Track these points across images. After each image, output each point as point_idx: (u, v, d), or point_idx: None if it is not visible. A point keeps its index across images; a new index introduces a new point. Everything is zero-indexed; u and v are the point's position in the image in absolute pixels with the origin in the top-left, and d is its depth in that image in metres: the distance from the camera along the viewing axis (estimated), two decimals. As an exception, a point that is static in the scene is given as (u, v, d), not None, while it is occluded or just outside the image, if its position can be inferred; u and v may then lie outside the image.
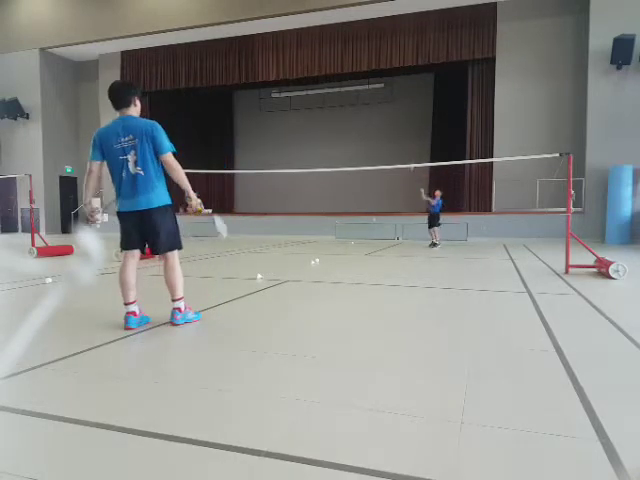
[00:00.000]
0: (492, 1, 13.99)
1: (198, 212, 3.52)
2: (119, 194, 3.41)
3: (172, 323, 3.51)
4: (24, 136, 18.33)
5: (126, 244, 3.48)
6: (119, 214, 3.46)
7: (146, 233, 3.42)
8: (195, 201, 3.45)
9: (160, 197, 3.39)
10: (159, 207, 3.38)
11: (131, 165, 3.32)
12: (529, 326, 3.52)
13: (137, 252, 3.50)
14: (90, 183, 3.44)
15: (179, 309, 3.52)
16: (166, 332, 3.39)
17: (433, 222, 11.30)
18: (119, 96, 3.41)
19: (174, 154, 3.42)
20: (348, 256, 9.30)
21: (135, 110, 3.46)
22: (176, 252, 3.54)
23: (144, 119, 3.41)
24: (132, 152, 3.31)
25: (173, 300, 3.53)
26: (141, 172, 3.32)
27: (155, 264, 6.77)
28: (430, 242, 11.51)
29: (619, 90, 12.49)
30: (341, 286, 5.53)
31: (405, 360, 2.73)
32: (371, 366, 2.62)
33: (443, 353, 2.87)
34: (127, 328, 3.40)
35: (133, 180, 3.33)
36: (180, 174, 3.37)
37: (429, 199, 11.32)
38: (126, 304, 3.45)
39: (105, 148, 3.38)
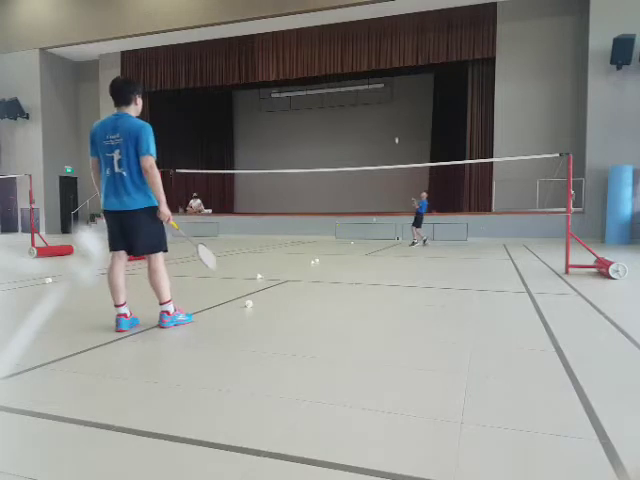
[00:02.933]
0: (492, 1, 13.99)
1: (174, 224, 3.49)
2: (104, 191, 3.37)
3: (160, 326, 3.45)
4: (24, 136, 18.33)
5: (111, 244, 3.45)
6: (104, 212, 3.44)
7: (127, 234, 3.37)
8: (164, 215, 3.33)
9: (143, 199, 3.31)
10: (141, 209, 3.31)
11: (115, 164, 3.29)
12: (529, 326, 3.52)
13: (123, 253, 3.45)
14: (96, 178, 3.47)
15: (167, 312, 3.45)
16: (166, 332, 3.39)
17: (419, 222, 11.69)
18: (120, 93, 3.37)
19: (159, 164, 3.36)
20: (348, 256, 9.30)
21: (134, 109, 3.42)
22: (160, 255, 3.45)
23: (136, 119, 3.36)
24: (117, 151, 3.26)
25: (160, 304, 3.46)
26: (124, 172, 3.26)
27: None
28: (414, 241, 11.89)
29: (619, 90, 12.49)
30: (341, 286, 5.53)
31: (405, 360, 2.73)
32: (371, 366, 2.62)
33: (443, 353, 2.87)
34: (119, 330, 3.36)
35: (117, 179, 3.29)
36: (154, 180, 3.26)
37: (416, 204, 11.72)
38: (117, 306, 3.41)
39: (97, 143, 3.35)
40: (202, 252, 3.77)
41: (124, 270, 3.49)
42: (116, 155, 3.27)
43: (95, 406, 2.11)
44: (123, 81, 3.45)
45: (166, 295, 3.46)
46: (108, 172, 3.32)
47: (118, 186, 3.29)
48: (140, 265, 7.17)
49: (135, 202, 3.29)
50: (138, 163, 3.27)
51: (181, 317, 3.57)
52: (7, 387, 2.36)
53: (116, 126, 3.29)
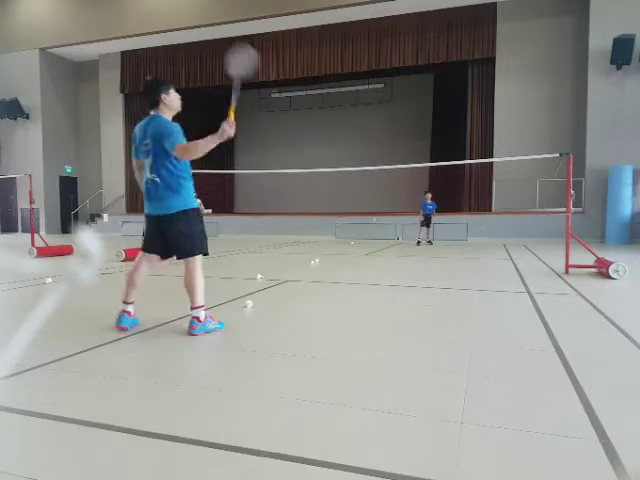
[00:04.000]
0: (492, 1, 13.99)
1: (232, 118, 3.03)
2: (144, 196, 3.36)
3: (189, 333, 3.26)
4: (24, 136, 18.33)
5: (145, 247, 3.42)
6: (144, 215, 3.43)
7: (165, 238, 3.32)
8: (230, 126, 3.01)
9: (179, 202, 3.24)
10: (177, 212, 3.24)
11: (147, 169, 3.26)
12: (529, 326, 3.52)
13: (154, 257, 3.42)
14: (139, 180, 3.45)
15: (197, 318, 3.27)
16: (166, 332, 3.39)
17: (428, 222, 12.16)
18: (146, 96, 3.35)
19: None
20: (348, 256, 9.30)
21: (166, 108, 3.31)
22: (198, 258, 3.33)
23: (162, 121, 3.23)
24: (150, 156, 3.24)
25: (191, 308, 3.30)
26: (156, 178, 3.23)
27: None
28: (421, 241, 12.29)
29: (619, 90, 12.49)
30: (341, 286, 5.53)
31: (405, 360, 2.73)
32: (370, 366, 2.62)
33: (443, 353, 2.87)
34: (119, 327, 3.35)
35: (151, 185, 3.27)
36: (195, 150, 3.06)
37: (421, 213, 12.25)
38: (125, 302, 3.41)
39: (137, 147, 3.35)
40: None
41: (148, 271, 3.46)
42: (148, 160, 3.25)
43: (95, 406, 2.11)
44: (147, 83, 3.40)
45: (199, 300, 3.30)
46: (144, 177, 3.33)
47: (152, 191, 3.27)
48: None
49: (171, 206, 3.23)
50: (169, 167, 3.20)
51: (212, 325, 3.37)
52: (7, 387, 2.36)
53: (146, 130, 3.26)
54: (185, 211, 3.27)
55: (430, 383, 2.37)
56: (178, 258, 3.38)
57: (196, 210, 3.37)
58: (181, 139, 3.15)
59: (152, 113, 3.32)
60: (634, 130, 12.33)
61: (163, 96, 3.29)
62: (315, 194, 20.17)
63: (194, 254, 3.32)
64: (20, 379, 2.45)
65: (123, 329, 3.36)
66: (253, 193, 21.34)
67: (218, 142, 3.05)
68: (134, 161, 3.45)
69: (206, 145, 3.06)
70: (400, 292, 5.08)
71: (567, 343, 3.01)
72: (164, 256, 3.46)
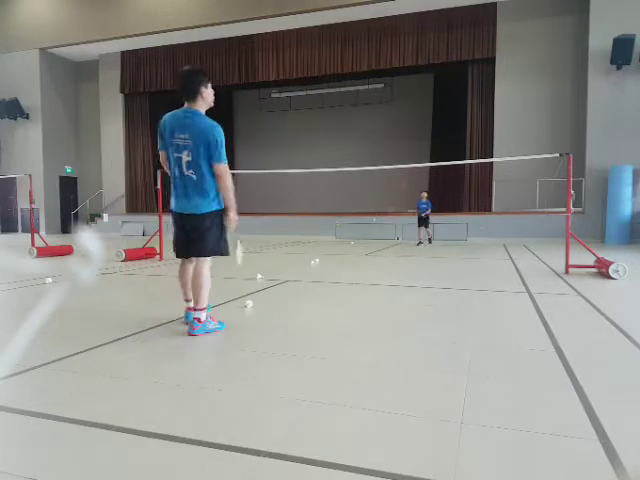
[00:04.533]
0: (492, 1, 13.99)
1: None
2: (173, 192, 3.28)
3: (189, 333, 3.26)
4: (24, 136, 18.33)
5: (176, 251, 3.41)
6: (171, 212, 3.36)
7: (189, 236, 3.27)
8: (233, 220, 3.26)
9: (210, 203, 3.20)
10: (208, 212, 3.20)
11: (184, 165, 3.15)
12: (529, 326, 3.52)
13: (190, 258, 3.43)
14: (168, 171, 3.38)
15: (198, 319, 3.27)
16: (165, 332, 3.39)
17: (424, 222, 12.10)
18: (184, 85, 3.17)
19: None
20: (348, 256, 9.30)
21: (203, 103, 3.22)
22: (208, 259, 3.31)
23: (207, 120, 3.17)
24: (186, 152, 3.12)
25: (195, 309, 3.31)
26: (193, 176, 3.15)
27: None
28: (420, 242, 12.25)
29: (619, 90, 12.49)
30: (341, 286, 5.53)
31: (405, 360, 2.73)
32: (370, 366, 2.62)
33: (442, 353, 2.87)
34: (187, 323, 3.44)
35: (185, 181, 3.19)
36: (227, 186, 3.17)
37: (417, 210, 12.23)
38: (186, 300, 3.55)
39: (166, 139, 3.22)
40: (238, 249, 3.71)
41: (191, 269, 3.43)
42: (185, 156, 3.13)
43: (95, 406, 2.11)
44: (187, 71, 3.22)
45: (203, 302, 3.29)
46: (177, 172, 3.21)
47: (187, 188, 3.19)
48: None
49: (203, 206, 3.19)
50: (207, 166, 3.14)
51: (212, 325, 3.37)
52: (7, 387, 2.36)
53: (185, 125, 3.13)
54: (216, 211, 3.25)
55: (430, 383, 2.37)
56: (198, 256, 3.31)
57: (223, 211, 3.31)
58: (226, 157, 3.18)
59: (187, 106, 3.20)
60: (634, 130, 12.33)
61: (203, 89, 3.18)
62: (315, 194, 20.16)
63: (215, 254, 3.31)
64: (20, 379, 2.45)
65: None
66: (253, 193, 21.32)
67: (230, 207, 3.25)
68: (161, 153, 3.33)
69: (230, 194, 3.23)
70: (400, 292, 5.08)
71: (567, 343, 3.01)
72: (195, 256, 3.38)
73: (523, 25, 13.91)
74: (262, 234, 15.30)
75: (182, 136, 3.13)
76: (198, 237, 3.24)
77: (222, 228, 3.32)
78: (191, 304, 3.48)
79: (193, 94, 3.16)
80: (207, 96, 3.23)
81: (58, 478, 1.56)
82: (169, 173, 3.37)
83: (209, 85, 3.25)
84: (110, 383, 2.39)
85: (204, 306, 3.31)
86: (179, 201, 3.26)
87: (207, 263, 3.33)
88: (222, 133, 3.16)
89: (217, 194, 3.25)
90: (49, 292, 5.07)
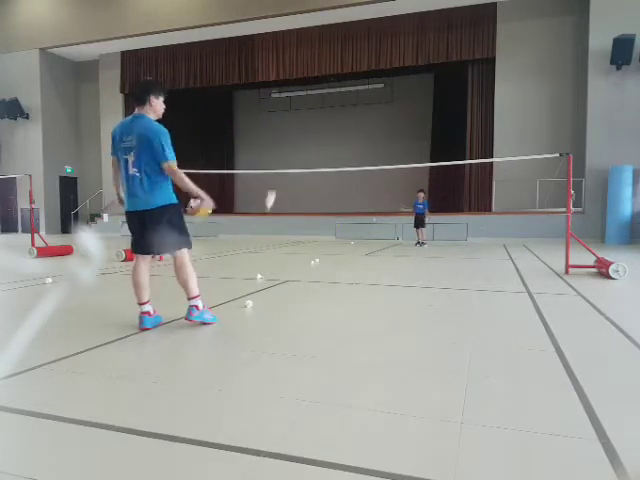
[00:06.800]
0: (492, 1, 13.99)
1: (203, 213, 3.39)
2: (125, 193, 3.42)
3: (186, 318, 3.46)
4: (24, 136, 18.32)
5: (133, 247, 3.47)
6: (125, 213, 3.47)
7: (146, 233, 3.36)
8: (206, 202, 3.35)
9: (160, 197, 3.31)
10: (158, 207, 3.31)
11: (130, 165, 3.31)
12: (529, 326, 3.52)
13: (147, 256, 3.47)
14: (115, 176, 3.54)
15: (196, 306, 3.45)
16: (165, 332, 3.39)
17: (420, 222, 11.76)
18: (135, 93, 3.46)
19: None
20: (348, 256, 9.30)
21: (151, 110, 3.39)
22: (185, 251, 3.44)
23: (151, 122, 3.34)
24: (131, 153, 3.29)
25: (189, 299, 3.46)
26: (137, 174, 3.28)
27: (158, 264, 6.77)
28: (418, 242, 11.98)
29: (619, 90, 12.49)
30: (341, 286, 5.53)
31: (404, 360, 2.73)
32: (370, 366, 2.62)
33: (442, 353, 2.87)
34: (143, 329, 3.39)
35: (131, 181, 3.33)
36: (182, 182, 3.28)
37: (408, 209, 12.04)
38: (140, 304, 3.44)
39: (116, 144, 3.41)
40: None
41: (148, 269, 3.49)
42: (130, 157, 3.30)
43: (95, 406, 2.11)
44: (141, 82, 3.55)
45: (194, 290, 3.44)
46: (125, 173, 3.36)
47: (133, 187, 3.32)
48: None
49: (151, 202, 3.30)
50: (152, 164, 3.27)
51: (208, 315, 3.54)
52: (7, 387, 2.36)
53: (131, 128, 3.32)
54: (167, 206, 3.35)
55: (430, 383, 2.37)
56: (158, 254, 3.48)
57: (177, 205, 3.41)
58: (173, 155, 3.27)
59: (137, 112, 3.40)
60: (634, 130, 12.32)
61: (152, 98, 3.38)
62: (315, 194, 20.14)
63: (179, 248, 3.40)
64: (20, 379, 2.45)
65: (146, 330, 3.39)
66: (253, 193, 21.28)
67: (198, 192, 3.31)
68: (113, 158, 3.51)
69: (189, 185, 3.28)
70: (400, 292, 5.08)
71: (567, 343, 3.01)
72: (154, 253, 3.52)
73: (523, 25, 13.91)
74: (262, 234, 15.30)
75: (128, 139, 3.31)
76: (154, 233, 3.32)
77: (178, 222, 3.41)
78: (145, 308, 3.42)
79: (142, 101, 3.37)
80: (156, 105, 3.41)
81: (58, 478, 1.56)
82: (113, 178, 3.58)
83: (161, 97, 3.44)
84: (110, 383, 2.39)
85: (196, 294, 3.45)
86: (130, 200, 3.38)
87: (185, 255, 3.43)
88: (166, 133, 3.30)
89: (167, 190, 3.36)
90: (49, 292, 5.07)
